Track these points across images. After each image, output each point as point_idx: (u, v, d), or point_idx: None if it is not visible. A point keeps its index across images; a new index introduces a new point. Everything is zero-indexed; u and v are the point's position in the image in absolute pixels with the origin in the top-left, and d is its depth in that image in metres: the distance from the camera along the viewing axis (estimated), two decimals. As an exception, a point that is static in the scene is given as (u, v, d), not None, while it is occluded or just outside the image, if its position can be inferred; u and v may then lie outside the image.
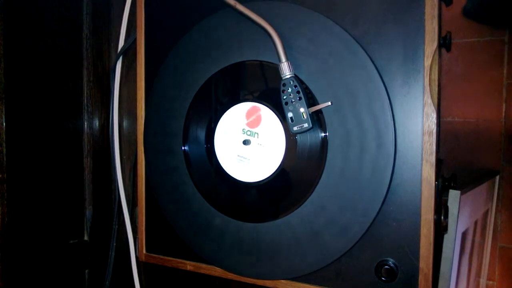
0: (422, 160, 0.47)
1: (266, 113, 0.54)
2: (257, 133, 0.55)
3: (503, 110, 0.99)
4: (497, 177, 0.99)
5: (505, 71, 0.99)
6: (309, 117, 0.49)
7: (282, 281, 0.55)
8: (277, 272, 0.55)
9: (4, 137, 0.66)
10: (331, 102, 0.49)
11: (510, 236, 0.99)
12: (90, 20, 0.81)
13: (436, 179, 0.47)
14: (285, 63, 0.50)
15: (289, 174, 0.53)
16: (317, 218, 0.51)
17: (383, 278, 0.49)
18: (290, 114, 0.50)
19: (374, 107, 0.48)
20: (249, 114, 0.55)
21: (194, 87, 0.59)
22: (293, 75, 0.50)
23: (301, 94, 0.50)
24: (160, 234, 0.65)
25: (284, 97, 0.50)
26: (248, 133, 0.55)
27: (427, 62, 0.46)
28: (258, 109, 0.54)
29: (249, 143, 0.55)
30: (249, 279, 0.57)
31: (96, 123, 0.83)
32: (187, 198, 0.61)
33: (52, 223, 0.76)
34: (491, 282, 1.01)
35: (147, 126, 0.65)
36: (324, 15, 0.51)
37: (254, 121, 0.55)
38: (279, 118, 0.53)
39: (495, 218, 0.99)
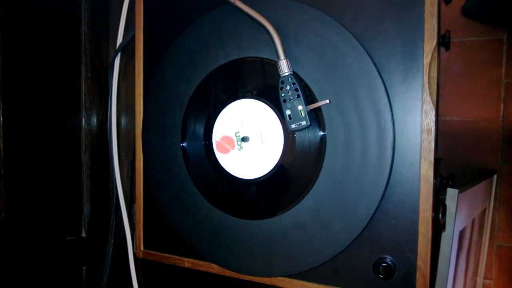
0: (420, 158, 0.47)
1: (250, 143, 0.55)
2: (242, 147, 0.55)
3: (501, 109, 0.99)
4: (495, 176, 0.99)
5: (503, 70, 0.99)
6: (307, 114, 0.49)
7: (280, 278, 0.55)
8: (275, 269, 0.55)
9: (2, 133, 0.66)
10: (329, 100, 0.49)
11: (507, 235, 1.00)
12: (89, 15, 0.81)
13: (434, 177, 0.47)
14: (284, 60, 0.50)
15: (287, 171, 0.53)
16: (314, 215, 0.51)
17: (380, 276, 0.49)
18: (288, 112, 0.50)
19: (373, 105, 0.48)
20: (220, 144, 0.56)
21: (193, 83, 0.59)
22: (292, 73, 0.50)
23: (299, 92, 0.49)
24: (158, 231, 0.65)
25: (282, 95, 0.50)
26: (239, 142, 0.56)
27: (426, 60, 0.46)
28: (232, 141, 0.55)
29: (247, 140, 0.55)
30: (246, 276, 0.57)
31: (94, 119, 0.83)
32: (185, 195, 0.61)
33: (49, 219, 0.76)
34: (488, 281, 1.01)
35: (146, 123, 0.64)
36: (323, 11, 0.50)
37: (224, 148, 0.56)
38: (278, 116, 0.53)
39: (493, 217, 0.99)
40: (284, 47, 0.50)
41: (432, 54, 0.46)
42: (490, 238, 1.00)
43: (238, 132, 0.56)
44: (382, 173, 0.48)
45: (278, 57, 0.50)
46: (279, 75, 0.50)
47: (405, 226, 0.48)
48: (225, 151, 0.56)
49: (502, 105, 0.99)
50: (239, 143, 0.55)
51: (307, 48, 0.51)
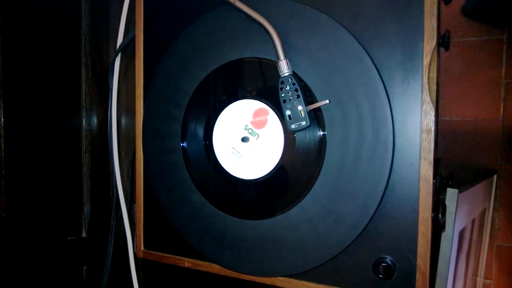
0: (420, 158, 0.47)
1: (272, 118, 0.54)
2: (258, 135, 0.54)
3: (501, 109, 0.99)
4: (495, 176, 0.99)
5: (503, 70, 0.99)
6: (307, 115, 0.49)
7: (280, 278, 0.55)
8: (275, 269, 0.55)
9: (3, 133, 0.66)
10: (329, 100, 0.49)
11: (507, 235, 1.00)
12: (89, 16, 0.81)
13: (434, 178, 0.47)
14: (284, 60, 0.50)
15: (288, 171, 0.53)
16: (314, 215, 0.51)
17: (380, 276, 0.49)
18: (288, 112, 0.50)
19: (373, 105, 0.48)
20: (257, 113, 0.55)
21: (193, 84, 0.59)
22: (291, 73, 0.50)
23: (299, 92, 0.50)
24: (158, 231, 0.65)
25: (282, 95, 0.50)
26: (250, 131, 0.55)
27: (426, 60, 0.46)
28: (266, 112, 0.54)
29: (247, 140, 0.55)
30: (247, 276, 0.57)
31: (95, 119, 0.83)
32: (185, 195, 0.61)
33: (50, 219, 0.76)
34: (488, 281, 1.01)
35: (146, 123, 0.65)
36: (322, 12, 0.50)
37: (260, 122, 0.55)
38: (278, 116, 0.53)
39: (493, 217, 0.99)
40: (284, 48, 0.50)
41: (432, 54, 0.46)
42: (490, 238, 1.00)
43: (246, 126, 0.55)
44: (382, 173, 0.48)
45: (278, 57, 0.50)
46: (279, 75, 0.50)
47: (405, 226, 0.48)
48: (261, 125, 0.55)
49: (502, 105, 0.99)
50: (250, 131, 0.55)
51: (307, 49, 0.51)
